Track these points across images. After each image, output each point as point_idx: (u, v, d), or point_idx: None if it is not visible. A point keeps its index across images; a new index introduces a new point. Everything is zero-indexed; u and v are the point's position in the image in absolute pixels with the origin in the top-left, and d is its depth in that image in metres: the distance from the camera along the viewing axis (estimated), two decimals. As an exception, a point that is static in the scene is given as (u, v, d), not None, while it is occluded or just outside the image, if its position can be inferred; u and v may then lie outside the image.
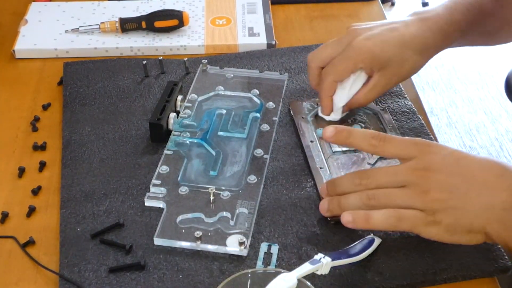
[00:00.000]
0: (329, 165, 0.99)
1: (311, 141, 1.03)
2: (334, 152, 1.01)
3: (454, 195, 0.83)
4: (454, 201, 0.83)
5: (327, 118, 1.05)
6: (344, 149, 1.01)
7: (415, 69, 1.05)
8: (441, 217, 0.83)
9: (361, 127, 1.05)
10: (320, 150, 1.01)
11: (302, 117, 1.07)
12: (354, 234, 0.89)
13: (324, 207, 0.90)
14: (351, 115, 1.07)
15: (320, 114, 1.06)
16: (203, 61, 1.18)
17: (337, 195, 0.89)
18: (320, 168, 0.98)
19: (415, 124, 1.07)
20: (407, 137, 0.90)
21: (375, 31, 1.02)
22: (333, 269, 0.81)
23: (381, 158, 0.99)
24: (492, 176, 0.83)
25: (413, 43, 1.02)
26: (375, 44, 1.00)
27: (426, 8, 1.09)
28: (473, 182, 0.83)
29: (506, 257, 0.86)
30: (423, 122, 1.07)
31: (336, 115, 1.05)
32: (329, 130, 0.90)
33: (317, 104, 1.09)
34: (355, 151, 1.01)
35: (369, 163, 0.98)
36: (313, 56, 1.05)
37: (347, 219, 0.85)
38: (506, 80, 1.91)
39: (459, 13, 1.06)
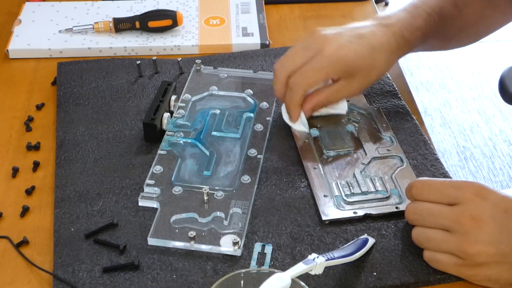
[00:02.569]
0: (323, 165, 0.99)
1: (305, 141, 1.03)
2: (328, 151, 1.01)
3: (501, 250, 0.80)
4: (500, 257, 0.80)
5: (296, 128, 1.04)
6: (338, 148, 1.01)
7: (380, 76, 1.04)
8: (481, 270, 0.81)
9: (355, 127, 1.05)
10: (314, 150, 1.01)
11: None
12: (348, 234, 0.89)
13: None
14: (345, 115, 1.07)
15: (288, 122, 1.04)
16: (197, 61, 1.18)
17: None
18: (314, 168, 0.98)
19: (409, 124, 1.07)
20: (446, 180, 0.87)
21: (344, 38, 1.00)
22: (326, 269, 0.81)
23: (375, 158, 0.99)
24: None
25: (380, 50, 1.01)
26: (347, 54, 0.99)
27: (388, 13, 1.07)
28: None
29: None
30: (417, 122, 1.08)
31: (305, 128, 1.03)
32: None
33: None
34: (348, 151, 1.01)
35: (362, 163, 0.99)
36: (281, 65, 1.02)
37: None
38: (500, 80, 1.90)
39: (421, 18, 1.05)
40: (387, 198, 0.94)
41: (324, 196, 0.94)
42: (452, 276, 0.84)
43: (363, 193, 0.94)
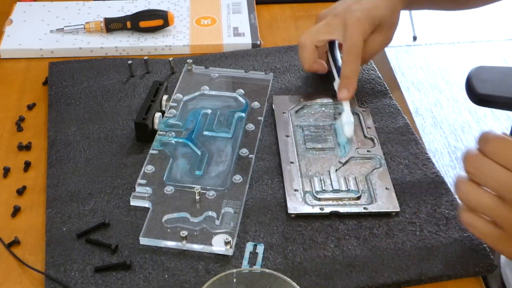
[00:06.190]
0: (299, 160, 0.99)
1: (287, 136, 1.03)
2: (308, 148, 1.01)
3: None
4: None
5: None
6: (318, 146, 1.01)
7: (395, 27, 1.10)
8: None
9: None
10: (294, 145, 1.01)
11: (283, 112, 1.07)
12: (340, 234, 0.89)
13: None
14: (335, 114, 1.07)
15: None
16: (188, 61, 1.18)
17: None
18: (291, 162, 0.98)
19: (400, 124, 1.07)
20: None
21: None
22: (319, 268, 0.81)
23: (353, 158, 0.99)
24: None
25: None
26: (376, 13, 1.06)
27: None
28: None
29: (492, 256, 0.87)
30: (408, 122, 1.08)
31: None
32: None
33: (300, 100, 1.09)
34: (328, 149, 1.01)
35: (340, 162, 0.99)
36: (309, 36, 1.08)
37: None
38: (467, 80, 1.79)
39: None
40: (358, 198, 0.94)
41: (295, 190, 0.94)
42: (443, 275, 0.84)
43: (334, 191, 0.94)
